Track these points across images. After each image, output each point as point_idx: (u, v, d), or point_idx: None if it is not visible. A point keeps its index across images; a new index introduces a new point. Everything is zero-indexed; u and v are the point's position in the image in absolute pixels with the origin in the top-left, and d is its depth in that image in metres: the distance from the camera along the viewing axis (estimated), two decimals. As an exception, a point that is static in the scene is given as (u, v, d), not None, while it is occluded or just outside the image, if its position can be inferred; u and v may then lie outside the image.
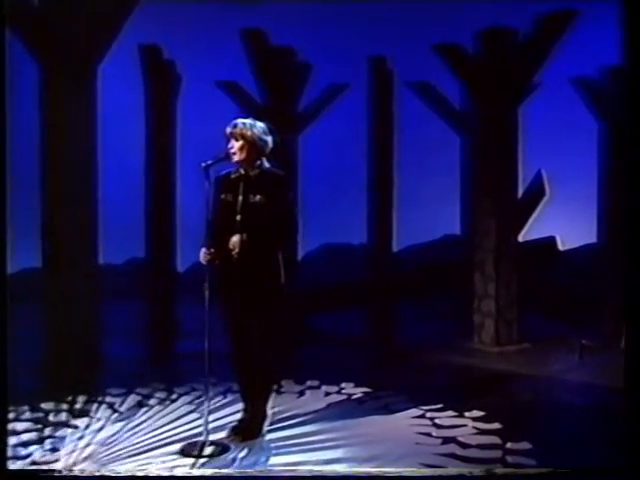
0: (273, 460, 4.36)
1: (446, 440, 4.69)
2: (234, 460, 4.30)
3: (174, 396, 5.60)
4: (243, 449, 4.47)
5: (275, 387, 5.79)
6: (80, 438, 4.73)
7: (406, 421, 5.07)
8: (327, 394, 5.70)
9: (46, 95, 6.23)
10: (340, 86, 8.97)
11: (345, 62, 8.61)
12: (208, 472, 4.18)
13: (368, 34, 8.26)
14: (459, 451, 4.50)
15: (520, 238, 8.01)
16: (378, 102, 8.94)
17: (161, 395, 5.62)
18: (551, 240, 8.49)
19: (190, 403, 5.43)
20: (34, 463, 4.32)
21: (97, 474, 4.08)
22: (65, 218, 6.27)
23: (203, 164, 4.46)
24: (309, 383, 5.93)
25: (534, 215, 8.30)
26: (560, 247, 8.55)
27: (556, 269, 8.51)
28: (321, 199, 9.91)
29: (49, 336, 6.36)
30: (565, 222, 8.67)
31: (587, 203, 8.45)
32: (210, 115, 8.87)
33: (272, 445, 4.57)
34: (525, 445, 4.58)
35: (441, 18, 7.64)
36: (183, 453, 4.39)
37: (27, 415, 5.15)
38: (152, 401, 5.49)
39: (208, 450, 4.39)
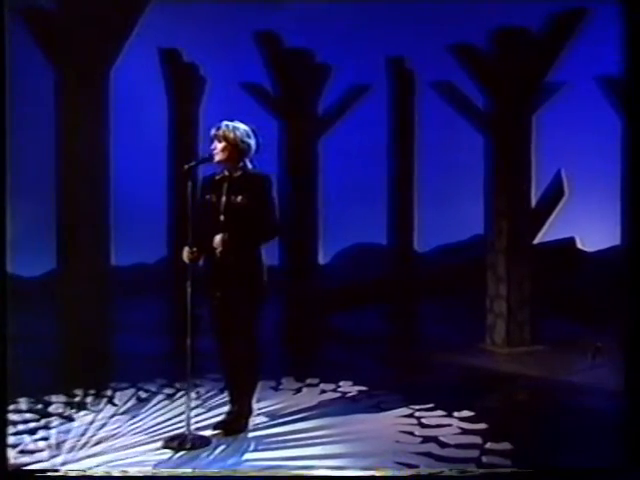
0: (250, 456, 4.45)
1: (426, 439, 4.72)
2: (210, 455, 4.41)
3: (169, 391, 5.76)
4: (224, 444, 4.59)
5: (275, 384, 5.97)
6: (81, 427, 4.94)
7: (393, 420, 5.12)
8: (323, 392, 5.79)
9: (60, 97, 6.48)
10: (362, 87, 9.05)
11: (363, 63, 8.67)
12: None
13: (385, 34, 8.30)
14: (436, 450, 4.52)
15: (538, 239, 7.96)
16: (399, 103, 8.99)
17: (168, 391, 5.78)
18: (570, 241, 8.39)
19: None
20: (31, 452, 4.51)
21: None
22: (78, 218, 6.50)
23: (186, 166, 4.59)
24: (309, 381, 6.03)
25: (553, 215, 8.23)
26: (581, 248, 8.44)
27: (576, 270, 8.41)
28: (344, 200, 10.00)
29: (63, 333, 6.62)
30: (588, 223, 8.55)
31: (611, 203, 8.33)
32: (231, 117, 9.06)
33: (252, 442, 4.67)
34: (505, 446, 4.58)
35: (455, 17, 7.64)
36: (165, 446, 4.53)
37: (31, 406, 5.37)
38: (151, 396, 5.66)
39: (188, 444, 4.52)
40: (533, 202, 7.51)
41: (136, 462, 4.31)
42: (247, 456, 4.43)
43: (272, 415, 5.18)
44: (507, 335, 7.31)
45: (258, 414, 5.06)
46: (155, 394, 5.67)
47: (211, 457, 4.40)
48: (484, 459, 4.38)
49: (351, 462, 4.33)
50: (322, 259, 11.98)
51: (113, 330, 7.01)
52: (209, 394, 5.58)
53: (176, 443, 4.52)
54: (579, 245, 8.40)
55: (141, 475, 4.17)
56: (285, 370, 6.29)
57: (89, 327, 6.57)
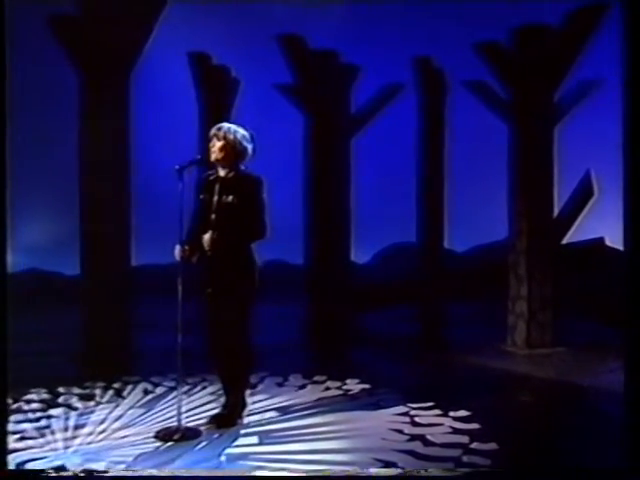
0: (230, 451, 4.54)
1: (414, 438, 4.74)
2: (194, 448, 4.55)
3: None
4: (212, 437, 4.72)
5: (282, 380, 6.08)
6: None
7: (387, 417, 5.15)
8: (327, 389, 5.87)
9: (84, 100, 6.73)
10: (392, 87, 9.07)
11: (391, 63, 8.71)
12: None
13: (411, 34, 8.33)
14: (419, 449, 4.55)
15: (567, 239, 7.86)
16: (429, 102, 8.97)
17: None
18: (599, 241, 8.23)
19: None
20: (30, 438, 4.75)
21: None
22: (100, 222, 6.74)
23: (176, 166, 4.74)
24: (316, 378, 6.13)
25: (582, 215, 8.11)
26: (613, 246, 8.26)
27: (605, 271, 8.23)
28: (378, 199, 10.04)
29: (87, 330, 6.89)
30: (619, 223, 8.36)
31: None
32: (263, 118, 9.21)
33: (238, 435, 4.78)
34: (491, 446, 4.58)
35: (479, 15, 7.61)
36: (156, 437, 4.70)
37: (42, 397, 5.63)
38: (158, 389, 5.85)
39: (178, 435, 4.67)
40: (555, 203, 7.43)
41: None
42: (229, 451, 4.53)
43: (266, 410, 5.29)
44: (527, 336, 7.24)
45: (252, 409, 5.19)
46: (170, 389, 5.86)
47: (196, 449, 4.55)
48: (465, 459, 4.39)
49: (330, 457, 4.40)
50: (361, 258, 12.07)
51: (138, 328, 7.25)
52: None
53: (166, 434, 4.69)
54: (610, 244, 8.21)
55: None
56: (298, 367, 6.42)
57: (111, 324, 6.81)
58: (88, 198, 6.72)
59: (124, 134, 6.78)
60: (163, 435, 4.69)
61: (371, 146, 9.26)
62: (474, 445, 4.59)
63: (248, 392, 5.13)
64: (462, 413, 5.18)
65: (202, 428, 4.83)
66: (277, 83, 8.70)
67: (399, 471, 4.21)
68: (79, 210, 6.71)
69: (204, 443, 4.62)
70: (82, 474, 4.18)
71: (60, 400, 5.54)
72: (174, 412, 4.95)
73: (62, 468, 4.19)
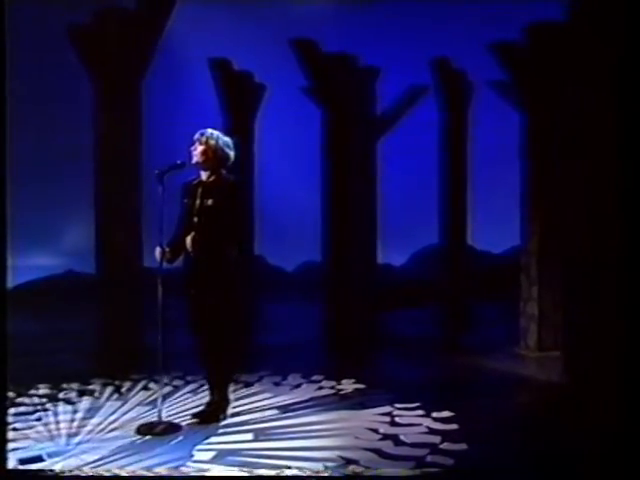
0: (203, 447, 4.65)
1: (386, 437, 4.80)
2: (170, 442, 4.72)
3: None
4: (191, 432, 4.89)
5: (280, 379, 6.22)
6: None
7: (369, 417, 5.22)
8: (320, 388, 5.98)
9: (98, 105, 7.02)
10: (418, 88, 9.11)
11: (412, 65, 8.75)
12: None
13: (428, 35, 8.34)
14: (387, 448, 4.60)
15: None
16: (450, 104, 8.96)
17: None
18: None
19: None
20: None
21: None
22: (115, 224, 7.01)
23: (156, 171, 4.93)
24: (314, 377, 6.24)
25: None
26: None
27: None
28: (407, 201, 10.07)
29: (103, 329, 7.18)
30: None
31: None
32: (289, 122, 9.37)
33: (219, 430, 4.95)
34: (461, 447, 4.60)
35: (493, 16, 7.58)
36: (137, 431, 4.89)
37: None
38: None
39: (158, 429, 4.85)
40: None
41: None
42: (200, 447, 4.64)
43: (254, 409, 5.43)
44: (539, 339, 7.18)
45: (236, 407, 5.36)
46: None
47: (172, 443, 4.72)
48: (429, 458, 4.43)
49: (297, 454, 4.50)
50: (397, 260, 12.13)
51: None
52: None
53: (147, 428, 4.88)
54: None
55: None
56: (299, 367, 6.58)
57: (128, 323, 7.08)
58: (102, 200, 7.02)
59: (138, 137, 7.05)
60: (144, 429, 4.89)
61: (396, 148, 9.31)
62: (444, 445, 4.64)
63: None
64: (445, 414, 5.23)
65: (183, 423, 5.03)
66: (300, 86, 8.84)
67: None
68: (94, 211, 7.01)
69: (181, 438, 4.80)
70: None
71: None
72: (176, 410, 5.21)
73: (39, 459, 4.42)
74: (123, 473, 4.27)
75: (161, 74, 6.96)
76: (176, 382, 6.13)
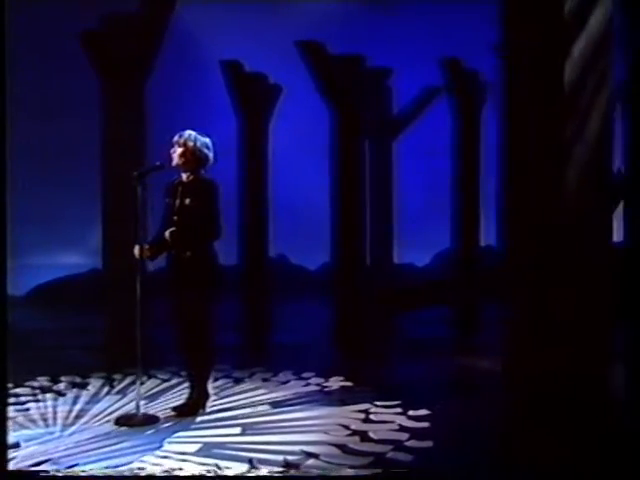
0: (174, 439, 4.79)
1: (355, 433, 4.88)
2: (142, 434, 4.89)
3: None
4: (167, 424, 5.06)
5: (270, 375, 6.36)
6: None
7: (345, 413, 5.31)
8: (307, 385, 6.10)
9: (106, 107, 7.25)
10: (431, 90, 9.14)
11: (425, 66, 8.77)
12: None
13: (436, 36, 8.35)
14: (352, 444, 4.67)
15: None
16: (463, 105, 8.95)
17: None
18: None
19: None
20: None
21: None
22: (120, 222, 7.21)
23: (135, 172, 5.11)
24: (304, 375, 6.36)
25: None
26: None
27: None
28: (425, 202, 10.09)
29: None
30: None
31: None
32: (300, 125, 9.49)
33: (196, 423, 5.11)
34: (427, 444, 4.65)
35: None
36: (116, 422, 5.08)
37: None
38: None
39: (135, 420, 5.04)
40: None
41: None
42: (170, 439, 4.78)
43: (237, 404, 5.58)
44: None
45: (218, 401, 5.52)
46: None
47: (146, 434, 4.89)
48: (389, 454, 4.49)
49: (263, 447, 4.63)
50: (421, 261, 12.13)
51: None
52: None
53: (125, 419, 5.07)
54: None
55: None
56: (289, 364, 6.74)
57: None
58: (108, 199, 7.26)
59: (143, 140, 7.26)
60: (122, 421, 5.08)
61: (410, 149, 9.35)
62: (409, 443, 4.70)
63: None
64: (422, 412, 5.28)
65: (161, 415, 5.20)
66: (314, 88, 8.93)
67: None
68: (101, 209, 7.25)
69: (154, 429, 4.98)
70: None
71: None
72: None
73: (16, 445, 4.63)
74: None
75: (167, 76, 7.15)
76: (167, 376, 6.34)
